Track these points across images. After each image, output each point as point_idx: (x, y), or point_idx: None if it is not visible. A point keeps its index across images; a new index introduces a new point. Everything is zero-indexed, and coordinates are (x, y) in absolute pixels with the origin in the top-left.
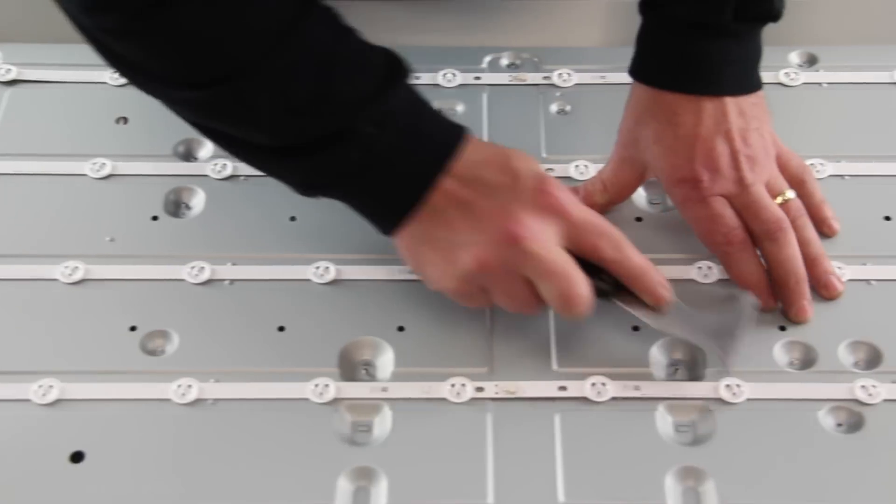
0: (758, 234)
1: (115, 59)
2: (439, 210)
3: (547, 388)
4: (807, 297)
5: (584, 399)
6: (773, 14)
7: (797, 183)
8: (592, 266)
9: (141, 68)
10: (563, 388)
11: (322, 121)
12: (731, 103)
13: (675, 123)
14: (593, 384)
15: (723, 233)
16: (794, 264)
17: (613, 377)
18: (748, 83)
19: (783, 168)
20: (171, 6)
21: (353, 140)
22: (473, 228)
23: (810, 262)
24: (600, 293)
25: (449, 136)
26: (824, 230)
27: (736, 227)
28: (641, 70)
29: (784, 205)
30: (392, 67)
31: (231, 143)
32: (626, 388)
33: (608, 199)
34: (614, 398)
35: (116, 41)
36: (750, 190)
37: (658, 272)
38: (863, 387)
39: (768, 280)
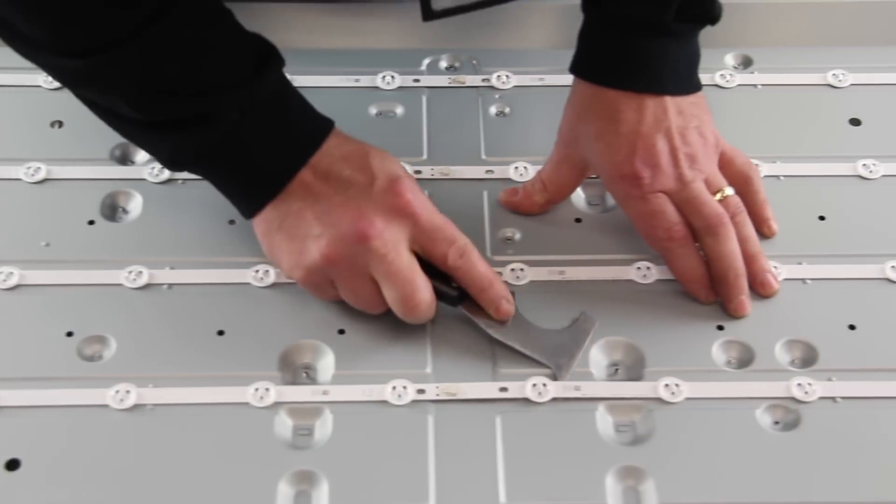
0: (698, 229)
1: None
2: (294, 200)
3: (488, 389)
4: (745, 292)
5: (525, 400)
6: (712, 16)
7: (743, 180)
8: (442, 271)
9: (18, 32)
10: (503, 390)
11: (187, 102)
12: (672, 102)
13: (616, 120)
14: (534, 385)
15: (664, 228)
16: (734, 259)
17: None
18: (688, 83)
19: (728, 166)
20: None
21: (215, 123)
22: (323, 222)
23: (748, 259)
24: (446, 299)
25: (314, 128)
26: (764, 230)
27: (677, 223)
28: (584, 67)
29: (723, 201)
30: (264, 55)
31: (104, 113)
32: (567, 388)
33: (548, 197)
34: (555, 399)
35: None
36: (690, 186)
37: (502, 285)
38: (799, 385)
39: (708, 275)
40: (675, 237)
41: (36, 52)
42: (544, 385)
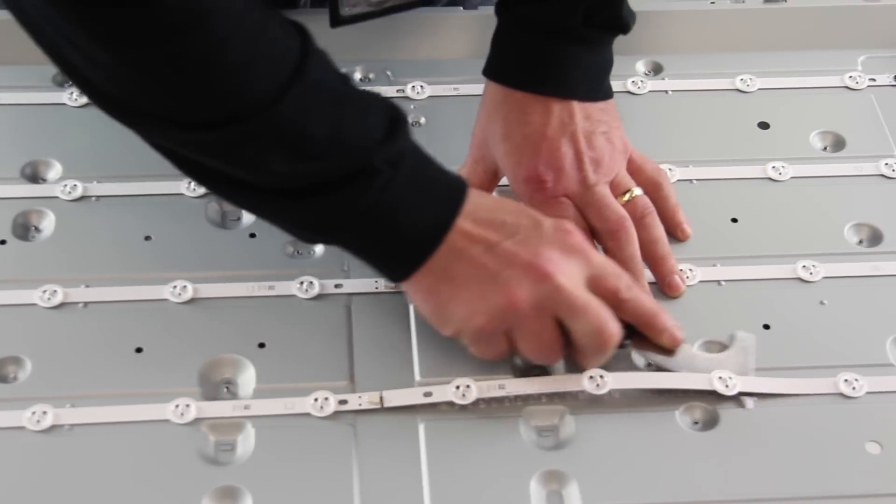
0: (600, 232)
1: (101, 95)
2: (460, 249)
3: (411, 394)
4: (646, 292)
5: (450, 404)
6: (622, 24)
7: (653, 187)
8: None
9: (139, 107)
10: (428, 394)
11: (338, 161)
12: (579, 107)
13: (523, 122)
14: (457, 387)
15: None
16: (634, 263)
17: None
18: (597, 90)
19: (638, 173)
20: (186, 40)
21: (370, 180)
22: (502, 265)
23: (657, 261)
24: None
25: (453, 178)
26: (677, 235)
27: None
28: (494, 69)
29: (631, 202)
30: (390, 108)
31: (225, 185)
32: (491, 387)
33: None
34: (479, 399)
35: (111, 79)
36: (593, 190)
37: (668, 314)
38: (720, 378)
39: None
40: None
41: (161, 128)
42: (468, 387)
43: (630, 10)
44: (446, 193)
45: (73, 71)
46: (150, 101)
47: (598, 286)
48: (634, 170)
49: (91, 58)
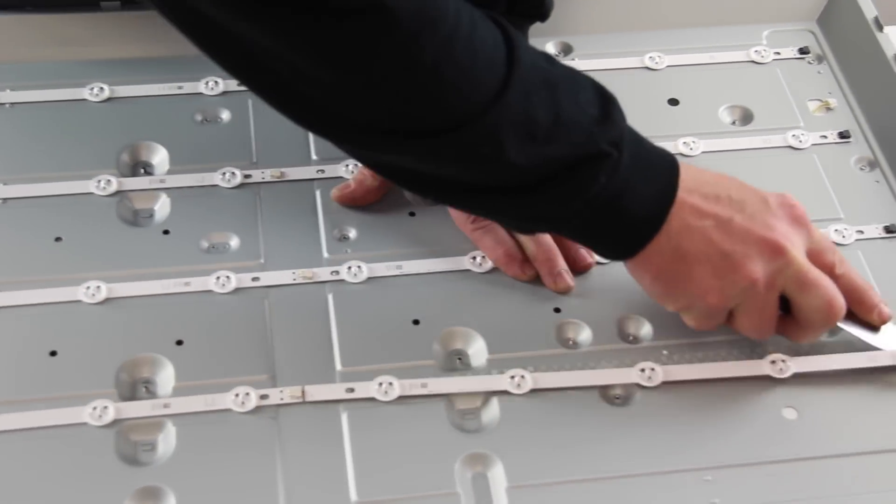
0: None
1: (313, 113)
2: (691, 226)
3: (334, 390)
4: (563, 266)
5: (372, 399)
6: (543, 12)
7: None
8: None
9: (357, 121)
10: (350, 390)
11: (565, 145)
12: None
13: None
14: (380, 384)
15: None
16: (544, 237)
17: (398, 372)
18: None
19: None
20: (419, 46)
21: (600, 164)
22: (736, 242)
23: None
24: None
25: (663, 153)
26: None
27: None
28: None
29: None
30: (599, 86)
31: (451, 190)
32: (413, 386)
33: (381, 179)
34: (402, 396)
35: (331, 96)
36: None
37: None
38: (642, 370)
39: (519, 250)
40: (479, 218)
41: (383, 141)
42: (390, 384)
43: None
44: (663, 168)
45: (276, 91)
46: (375, 114)
47: (816, 260)
48: None
49: (312, 79)
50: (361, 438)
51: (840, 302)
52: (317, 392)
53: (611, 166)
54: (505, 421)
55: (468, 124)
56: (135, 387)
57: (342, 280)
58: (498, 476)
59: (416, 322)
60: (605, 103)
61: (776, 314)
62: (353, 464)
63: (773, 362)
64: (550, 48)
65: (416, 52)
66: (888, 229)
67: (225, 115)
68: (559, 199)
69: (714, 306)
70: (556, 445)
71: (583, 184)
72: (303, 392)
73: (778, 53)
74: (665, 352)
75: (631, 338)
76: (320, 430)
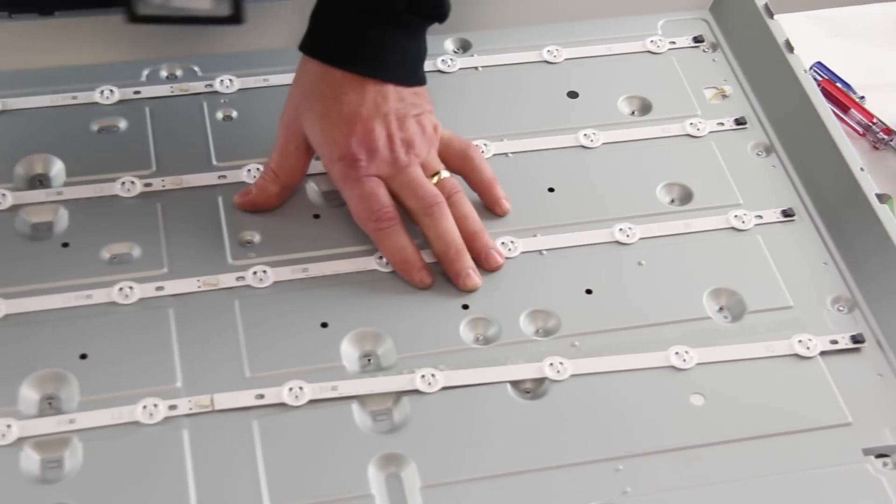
0: (415, 211)
1: None
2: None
3: (243, 397)
4: (470, 265)
5: (283, 405)
6: (441, 12)
7: (461, 159)
8: None
9: None
10: (260, 396)
11: None
12: (393, 90)
13: (339, 101)
14: (290, 389)
15: (374, 210)
16: (451, 236)
17: (308, 376)
18: (413, 76)
19: (446, 149)
20: None
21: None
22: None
23: (470, 237)
24: None
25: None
26: (497, 210)
27: (387, 206)
28: (313, 46)
29: (439, 183)
30: None
31: None
32: (324, 389)
33: (282, 184)
34: (312, 401)
35: None
36: (405, 170)
37: None
38: (551, 364)
39: (420, 257)
40: (382, 218)
41: None
42: (301, 388)
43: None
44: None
45: None
46: None
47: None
48: (443, 147)
49: None
50: (273, 445)
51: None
52: (226, 400)
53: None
54: (417, 420)
55: None
56: (38, 403)
57: (248, 286)
58: (412, 476)
59: (324, 325)
60: None
61: None
62: (266, 471)
63: (676, 353)
64: (448, 45)
65: None
66: (786, 213)
67: (122, 124)
68: None
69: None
70: (468, 443)
71: None
72: (211, 400)
73: (673, 43)
74: (576, 342)
75: (539, 331)
76: (231, 439)
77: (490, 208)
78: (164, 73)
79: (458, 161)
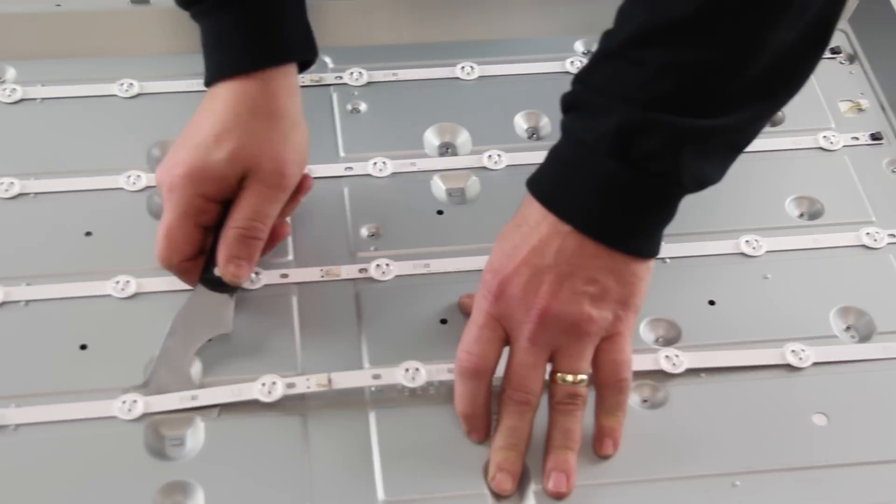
0: (504, 387)
1: None
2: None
3: (359, 377)
4: (508, 470)
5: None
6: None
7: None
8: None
9: None
10: (376, 377)
11: None
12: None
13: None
14: (407, 370)
15: (464, 350)
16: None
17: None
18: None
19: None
20: None
21: None
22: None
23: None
24: None
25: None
26: (596, 448)
27: (483, 356)
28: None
29: (563, 386)
30: None
31: None
32: (440, 371)
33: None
34: (429, 382)
35: None
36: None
37: None
38: (667, 357)
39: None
40: (468, 366)
41: None
42: (417, 370)
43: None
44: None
45: None
46: None
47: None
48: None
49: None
50: (389, 437)
51: None
52: (343, 379)
53: None
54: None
55: None
56: None
57: (370, 278)
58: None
59: (443, 321)
60: None
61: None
62: (381, 462)
63: (793, 351)
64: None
65: None
66: None
67: None
68: None
69: None
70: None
71: None
72: (329, 380)
73: None
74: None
75: (660, 339)
76: (348, 427)
77: (593, 442)
78: None
79: (604, 376)
